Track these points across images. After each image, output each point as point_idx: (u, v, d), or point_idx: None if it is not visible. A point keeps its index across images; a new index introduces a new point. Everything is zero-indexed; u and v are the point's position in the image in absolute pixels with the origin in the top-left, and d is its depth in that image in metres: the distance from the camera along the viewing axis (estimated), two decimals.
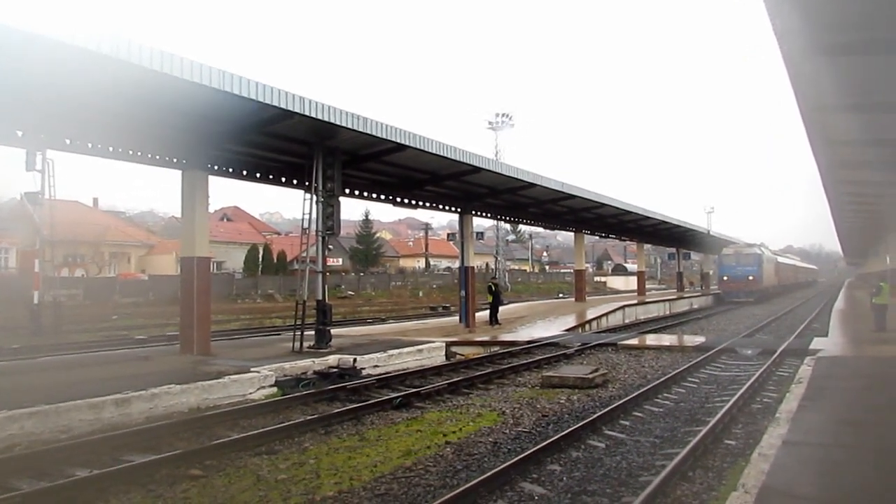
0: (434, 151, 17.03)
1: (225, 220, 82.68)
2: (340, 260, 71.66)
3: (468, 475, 7.60)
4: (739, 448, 8.52)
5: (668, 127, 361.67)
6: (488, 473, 7.22)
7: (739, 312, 36.72)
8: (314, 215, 16.08)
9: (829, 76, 11.91)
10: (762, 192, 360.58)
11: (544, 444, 8.41)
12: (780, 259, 63.01)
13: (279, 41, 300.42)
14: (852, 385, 11.54)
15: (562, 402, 11.82)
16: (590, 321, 27.16)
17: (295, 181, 17.37)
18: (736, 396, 11.17)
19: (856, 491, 5.99)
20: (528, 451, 8.07)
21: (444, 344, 18.15)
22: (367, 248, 76.96)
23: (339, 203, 16.29)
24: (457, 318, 26.47)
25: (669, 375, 13.82)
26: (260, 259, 59.92)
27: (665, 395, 12.35)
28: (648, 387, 12.51)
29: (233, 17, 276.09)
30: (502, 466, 7.45)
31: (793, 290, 68.18)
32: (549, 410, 11.13)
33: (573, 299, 40.93)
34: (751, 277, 47.36)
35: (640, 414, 10.74)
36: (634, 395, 11.67)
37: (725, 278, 49.09)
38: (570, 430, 9.15)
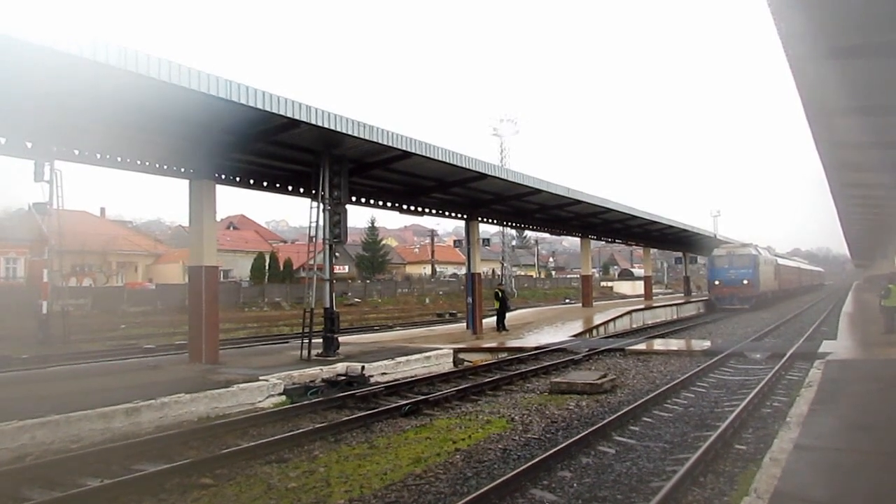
0: (440, 158, 17.08)
1: (231, 228, 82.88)
2: (347, 267, 71.71)
3: (478, 482, 7.59)
4: (750, 453, 8.48)
5: (674, 131, 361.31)
6: (499, 480, 7.20)
7: (747, 316, 36.50)
8: (321, 223, 16.13)
9: (835, 79, 11.92)
10: (768, 195, 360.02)
11: (554, 450, 8.39)
12: (781, 260, 58.39)
13: (285, 49, 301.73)
14: (863, 388, 11.48)
15: (571, 407, 11.80)
16: (597, 326, 27.09)
17: (302, 189, 17.44)
18: (746, 401, 11.13)
19: (870, 496, 5.97)
20: (538, 458, 8.05)
21: (451, 351, 18.14)
22: (373, 256, 77.04)
23: (345, 211, 16.34)
24: (464, 324, 26.48)
25: (678, 380, 13.79)
26: (266, 267, 60.04)
27: (674, 399, 12.32)
28: (657, 392, 12.47)
29: (238, 26, 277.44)
30: (513, 473, 7.43)
31: (796, 294, 64.50)
32: (559, 416, 11.10)
33: (580, 305, 40.84)
34: (745, 281, 42.70)
35: (649, 419, 10.71)
36: (643, 400, 11.64)
37: (717, 283, 44.36)
38: (579, 436, 9.12)
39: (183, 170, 15.01)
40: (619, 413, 10.61)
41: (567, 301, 58.60)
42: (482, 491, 6.88)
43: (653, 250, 53.56)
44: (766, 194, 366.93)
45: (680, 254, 56.75)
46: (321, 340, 16.28)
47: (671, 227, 39.31)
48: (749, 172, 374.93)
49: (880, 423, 8.80)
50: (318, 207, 16.10)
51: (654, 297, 49.85)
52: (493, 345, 20.70)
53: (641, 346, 20.51)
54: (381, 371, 14.95)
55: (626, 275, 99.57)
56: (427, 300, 60.79)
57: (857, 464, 6.86)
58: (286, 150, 15.49)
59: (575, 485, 7.48)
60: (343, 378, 13.82)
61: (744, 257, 43.88)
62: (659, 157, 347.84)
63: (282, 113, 12.45)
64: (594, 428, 9.57)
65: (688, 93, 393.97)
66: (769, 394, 12.52)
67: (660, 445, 9.11)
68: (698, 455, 7.88)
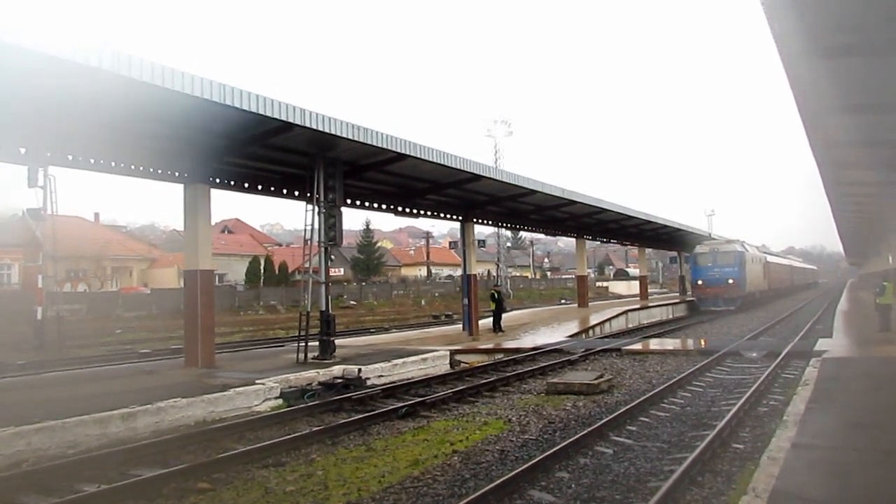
0: (434, 160, 17.07)
1: (226, 232, 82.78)
2: (342, 270, 71.71)
3: (476, 484, 7.58)
4: (748, 452, 8.50)
5: (669, 130, 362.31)
6: (497, 482, 7.19)
7: (742, 316, 36.55)
8: (316, 226, 16.11)
9: (829, 78, 11.94)
10: (763, 194, 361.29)
11: (552, 451, 8.39)
12: (771, 258, 55.37)
13: (279, 51, 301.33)
14: (859, 386, 11.51)
15: (568, 408, 11.80)
16: (593, 327, 27.12)
17: (296, 192, 17.40)
18: (742, 400, 11.15)
19: (868, 494, 5.98)
20: (536, 459, 8.05)
21: (448, 352, 18.12)
22: (368, 258, 76.96)
23: (340, 213, 16.32)
24: (459, 326, 26.47)
25: (675, 380, 13.80)
26: (262, 270, 59.93)
27: (671, 399, 12.33)
28: (654, 392, 12.48)
29: (231, 28, 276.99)
30: (511, 475, 7.43)
31: (788, 294, 61.89)
32: (556, 417, 11.11)
33: (576, 305, 40.87)
34: (730, 280, 39.68)
35: (646, 419, 10.71)
36: (640, 400, 11.65)
37: (700, 282, 41.37)
38: (577, 436, 9.13)
39: (177, 174, 14.96)
40: (616, 413, 10.61)
41: (563, 301, 58.63)
42: (480, 493, 6.88)
43: (648, 250, 53.57)
44: (760, 193, 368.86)
45: (675, 253, 56.75)
46: (317, 343, 16.26)
47: (666, 226, 39.38)
48: (743, 171, 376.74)
49: (878, 420, 8.82)
50: (312, 210, 16.09)
51: (650, 297, 49.82)
52: (490, 346, 20.68)
53: (637, 346, 20.52)
54: (377, 373, 14.94)
55: (622, 275, 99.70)
56: (423, 302, 60.74)
57: (856, 462, 6.88)
58: (280, 153, 15.46)
59: (573, 485, 7.48)
60: (340, 381, 13.79)
61: (729, 254, 40.86)
62: (654, 157, 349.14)
63: (275, 116, 12.43)
64: (591, 428, 9.57)
65: (682, 92, 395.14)
66: (766, 392, 12.55)
67: (657, 445, 9.12)
68: (696, 454, 7.89)
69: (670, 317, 38.04)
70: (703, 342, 21.59)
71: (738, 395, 11.93)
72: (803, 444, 7.36)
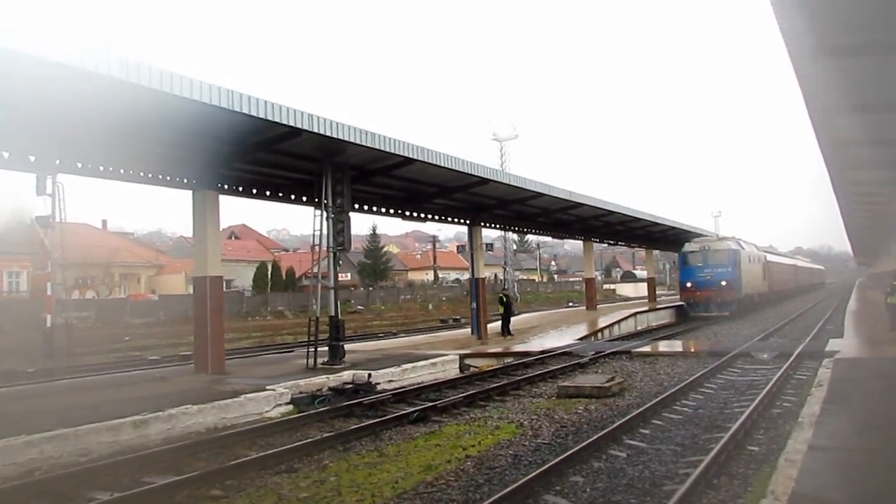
0: (442, 164, 17.04)
1: (233, 237, 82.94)
2: (349, 275, 71.69)
3: (490, 489, 7.54)
4: (763, 454, 8.43)
5: (675, 131, 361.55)
6: (511, 487, 7.16)
7: (752, 317, 36.19)
8: (324, 231, 16.10)
9: (838, 77, 11.87)
10: (769, 195, 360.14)
11: (565, 455, 8.35)
12: (771, 257, 50.48)
13: (286, 56, 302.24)
14: (873, 387, 11.42)
15: (579, 412, 11.74)
16: (602, 329, 27.04)
17: (305, 198, 17.41)
18: (756, 401, 11.08)
19: (889, 496, 5.91)
20: (550, 463, 8.00)
21: (457, 357, 18.10)
22: (375, 263, 76.92)
23: (349, 218, 16.31)
24: (468, 330, 26.41)
25: (686, 382, 13.73)
26: (269, 276, 60.01)
27: (683, 401, 12.26)
28: (666, 394, 12.42)
29: (237, 33, 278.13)
30: (525, 479, 7.39)
31: (792, 296, 57.54)
32: (568, 421, 11.05)
33: (584, 308, 40.72)
34: (723, 283, 34.92)
35: (659, 422, 10.65)
36: (652, 403, 11.59)
37: (689, 284, 36.65)
38: (590, 440, 9.08)
39: (185, 180, 14.99)
40: (628, 416, 10.55)
41: (570, 304, 58.46)
42: (495, 498, 6.84)
43: (655, 252, 53.38)
44: (766, 194, 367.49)
45: None
46: (327, 349, 16.24)
47: (673, 228, 39.22)
48: (750, 173, 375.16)
49: (894, 421, 8.73)
50: (321, 215, 16.10)
51: (658, 299, 49.52)
52: (499, 350, 20.64)
53: (647, 349, 20.47)
54: (387, 378, 14.91)
55: (629, 277, 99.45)
56: (430, 306, 60.72)
57: (875, 464, 6.80)
58: (288, 159, 15.46)
59: (588, 490, 7.42)
60: (350, 386, 13.77)
61: (721, 253, 36.17)
62: (660, 159, 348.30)
63: (283, 122, 12.43)
64: (604, 432, 9.52)
65: (689, 92, 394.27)
66: (778, 394, 12.46)
67: (671, 448, 9.06)
68: (711, 457, 7.83)
69: (679, 318, 37.82)
70: (712, 344, 21.48)
71: (751, 397, 11.86)
72: (821, 447, 7.28)
